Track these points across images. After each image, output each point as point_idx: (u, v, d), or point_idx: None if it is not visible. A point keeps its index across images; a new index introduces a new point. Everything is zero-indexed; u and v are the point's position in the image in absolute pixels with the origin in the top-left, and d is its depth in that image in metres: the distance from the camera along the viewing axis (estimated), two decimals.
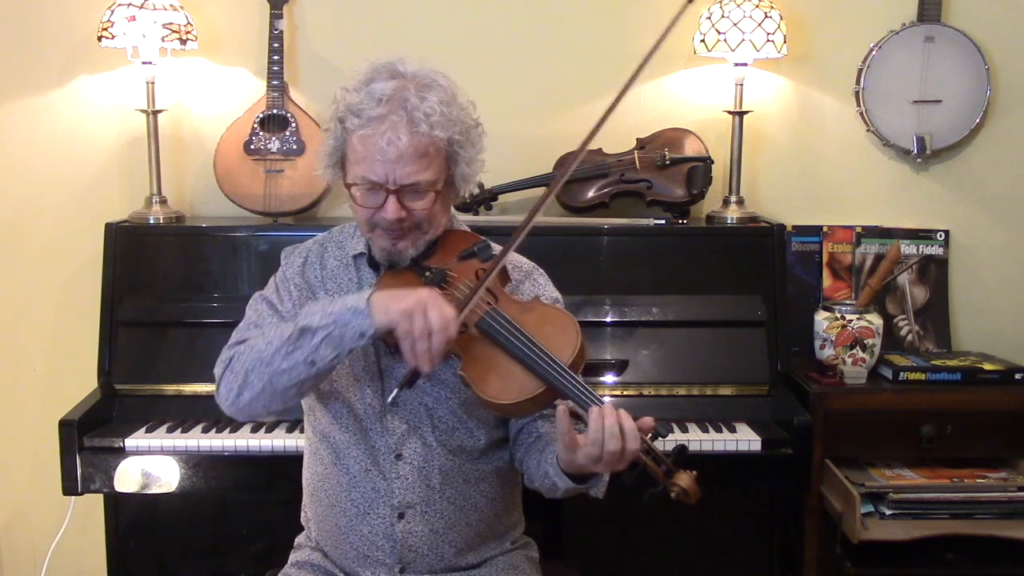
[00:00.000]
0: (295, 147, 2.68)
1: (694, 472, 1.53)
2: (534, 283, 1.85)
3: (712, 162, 2.71)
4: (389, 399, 1.70)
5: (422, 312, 1.55)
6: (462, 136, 1.70)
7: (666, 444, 1.59)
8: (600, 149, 2.76)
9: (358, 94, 1.67)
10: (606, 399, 2.41)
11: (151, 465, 2.30)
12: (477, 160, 1.75)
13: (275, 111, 2.70)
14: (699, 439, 2.32)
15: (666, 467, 1.53)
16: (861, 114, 2.84)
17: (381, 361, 1.77)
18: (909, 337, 2.84)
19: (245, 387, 1.70)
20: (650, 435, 1.56)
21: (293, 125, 2.69)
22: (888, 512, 2.40)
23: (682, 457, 1.54)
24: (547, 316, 1.70)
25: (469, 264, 1.76)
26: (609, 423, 1.52)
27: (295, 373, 1.65)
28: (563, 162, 2.75)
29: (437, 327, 1.55)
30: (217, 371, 1.79)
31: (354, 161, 1.69)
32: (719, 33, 2.64)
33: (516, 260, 1.87)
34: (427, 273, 1.74)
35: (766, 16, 2.64)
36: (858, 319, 2.59)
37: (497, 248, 1.81)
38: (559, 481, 1.66)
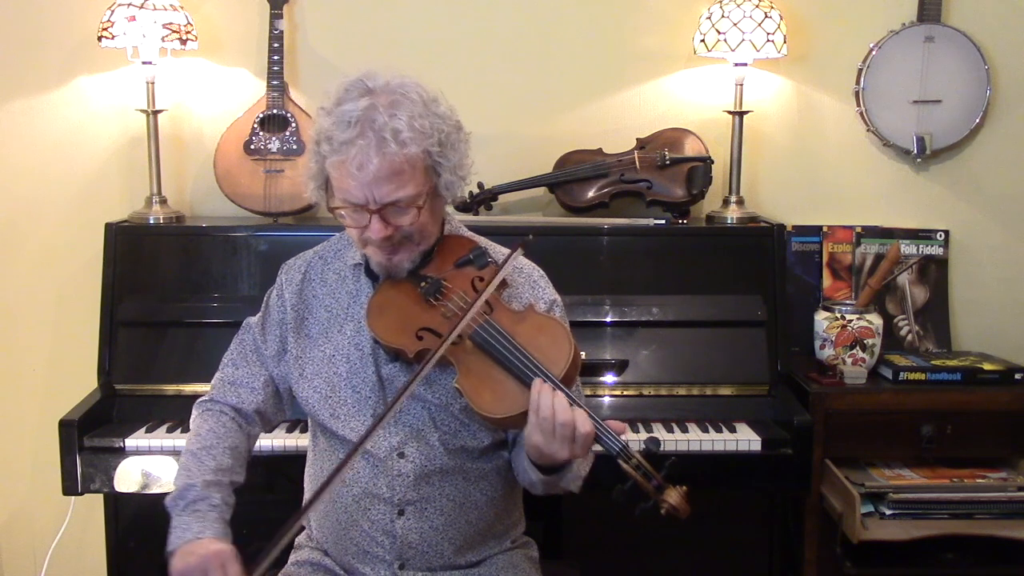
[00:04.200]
0: (295, 147, 2.68)
1: (684, 488, 1.53)
2: (533, 285, 1.85)
3: (712, 162, 2.71)
4: None
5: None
6: (440, 146, 1.67)
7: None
8: (600, 149, 2.76)
9: (330, 117, 1.66)
10: (606, 399, 2.45)
11: (151, 465, 2.30)
12: (463, 165, 1.73)
13: (275, 111, 2.70)
14: (699, 439, 2.32)
15: (657, 482, 1.53)
16: (861, 114, 2.84)
17: (381, 371, 1.77)
18: (909, 337, 2.84)
19: None
20: (641, 449, 1.56)
21: (293, 125, 2.69)
22: (888, 512, 2.40)
23: (674, 472, 1.54)
24: (541, 326, 1.69)
25: (465, 272, 1.76)
26: (546, 394, 1.55)
27: None
28: (563, 162, 2.75)
29: None
30: (194, 411, 1.87)
31: (334, 185, 1.69)
32: (719, 33, 2.64)
33: (516, 261, 1.87)
34: (423, 283, 1.74)
35: (766, 16, 2.64)
36: (858, 319, 2.59)
37: (494, 251, 1.82)
38: (531, 473, 1.68)
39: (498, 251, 1.83)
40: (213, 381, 1.89)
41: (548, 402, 1.55)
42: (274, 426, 2.08)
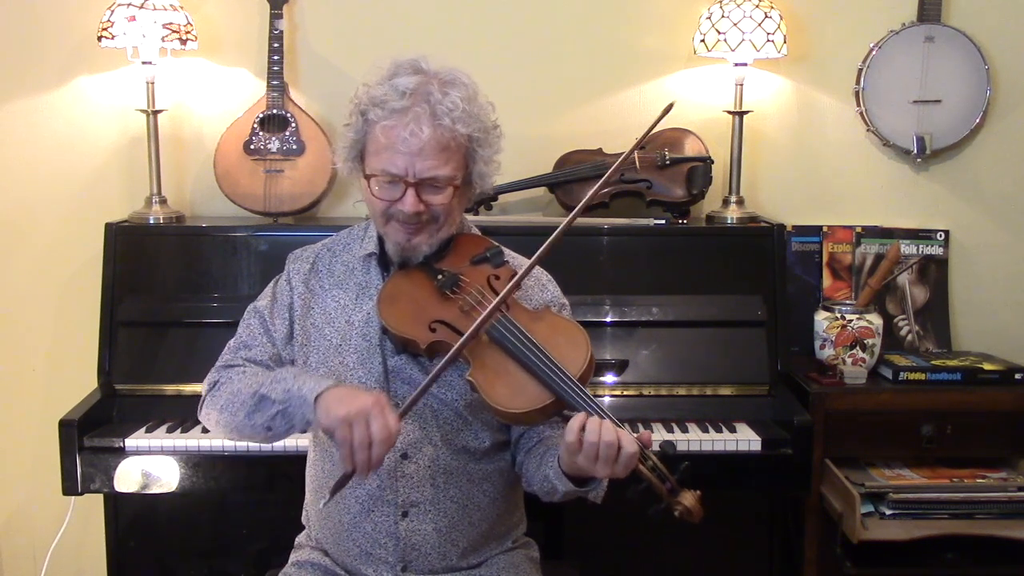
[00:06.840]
0: (295, 147, 2.68)
1: (698, 492, 1.54)
2: (542, 289, 1.86)
3: (712, 162, 2.71)
4: (322, 504, 1.72)
5: (364, 422, 1.54)
6: (481, 135, 1.73)
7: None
8: (600, 149, 2.76)
9: (381, 87, 1.69)
10: (606, 399, 2.45)
11: (151, 465, 2.30)
12: (494, 160, 1.78)
13: (275, 111, 2.70)
14: (699, 439, 2.32)
15: (671, 485, 1.54)
16: (861, 114, 2.84)
17: (387, 362, 1.77)
18: (909, 337, 2.84)
19: (219, 425, 1.78)
20: (657, 451, 1.56)
21: (293, 125, 2.69)
22: (888, 512, 2.40)
23: (687, 476, 1.55)
24: (557, 326, 1.71)
25: (481, 269, 1.76)
26: (593, 420, 1.54)
27: (256, 432, 1.72)
28: (563, 162, 2.75)
29: (379, 438, 1.54)
30: (203, 389, 1.84)
31: (374, 152, 1.70)
32: (719, 33, 2.64)
33: (524, 265, 1.87)
34: (439, 276, 1.74)
35: (766, 16, 2.64)
36: (858, 319, 2.59)
37: (509, 254, 1.83)
38: (559, 484, 1.67)
39: (511, 253, 1.84)
40: (226, 357, 1.86)
41: (595, 427, 1.54)
42: None
